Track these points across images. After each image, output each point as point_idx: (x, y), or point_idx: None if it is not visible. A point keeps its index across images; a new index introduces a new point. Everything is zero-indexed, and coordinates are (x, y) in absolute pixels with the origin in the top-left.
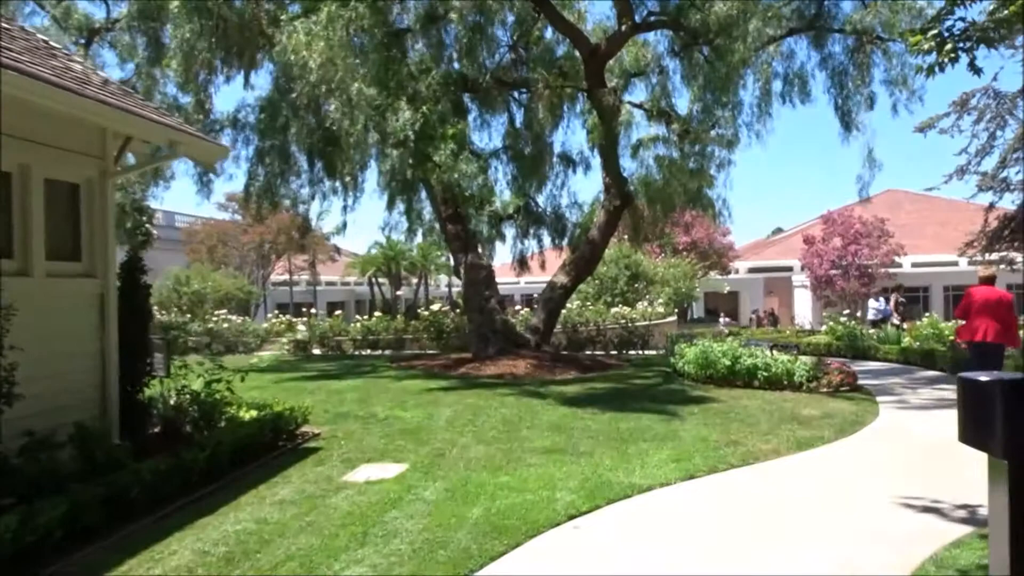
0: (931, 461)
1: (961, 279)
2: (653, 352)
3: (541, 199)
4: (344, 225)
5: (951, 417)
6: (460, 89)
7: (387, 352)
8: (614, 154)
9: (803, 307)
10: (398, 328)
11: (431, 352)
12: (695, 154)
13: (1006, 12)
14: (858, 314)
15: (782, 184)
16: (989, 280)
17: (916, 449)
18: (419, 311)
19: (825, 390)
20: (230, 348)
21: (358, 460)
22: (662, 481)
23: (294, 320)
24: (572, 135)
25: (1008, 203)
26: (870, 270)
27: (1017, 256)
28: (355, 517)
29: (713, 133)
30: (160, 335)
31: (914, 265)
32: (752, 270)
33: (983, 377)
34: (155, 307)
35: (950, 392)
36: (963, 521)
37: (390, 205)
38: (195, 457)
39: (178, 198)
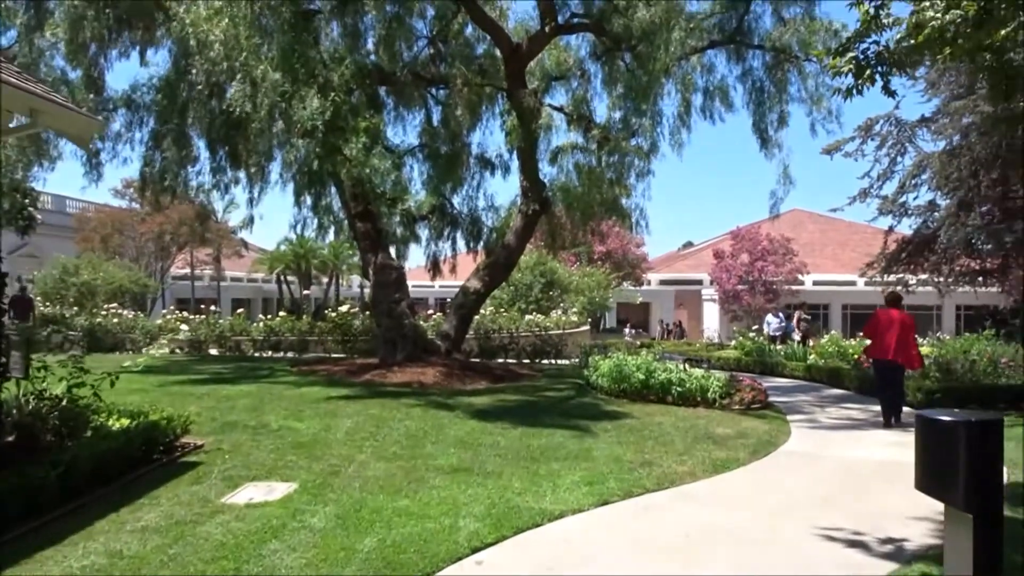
0: (848, 487)
1: (859, 298)
2: (566, 362)
3: (457, 200)
4: (251, 219)
5: (861, 438)
6: (375, 82)
7: (290, 355)
8: (533, 158)
9: (711, 320)
10: (302, 330)
11: (337, 356)
12: (614, 163)
13: (912, 42)
14: (760, 328)
15: (693, 198)
16: (895, 302)
17: (832, 474)
18: (327, 312)
19: (737, 407)
20: (117, 346)
21: (241, 478)
22: (574, 507)
23: (191, 317)
24: (491, 136)
25: (906, 227)
26: (775, 286)
27: (912, 278)
28: (228, 549)
29: (633, 142)
30: (15, 331)
31: (815, 283)
32: (664, 282)
33: (946, 417)
34: (38, 298)
35: (857, 411)
36: (887, 556)
37: (298, 199)
38: (44, 475)
39: (74, 182)
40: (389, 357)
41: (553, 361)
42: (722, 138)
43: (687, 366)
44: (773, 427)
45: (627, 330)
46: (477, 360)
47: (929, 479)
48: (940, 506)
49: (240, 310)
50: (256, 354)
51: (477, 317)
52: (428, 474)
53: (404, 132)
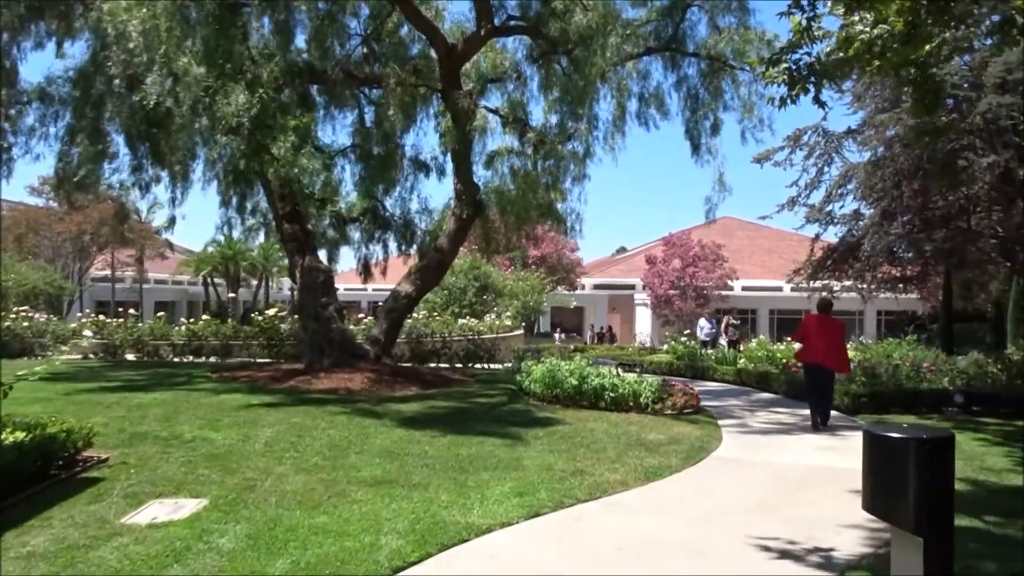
0: (781, 494)
1: (786, 304)
2: (499, 366)
3: (390, 203)
4: (173, 220)
5: (791, 442)
6: (306, 80)
7: (213, 360)
8: (467, 160)
9: (644, 325)
10: (226, 334)
11: (262, 361)
12: (549, 167)
13: (842, 55)
14: (690, 332)
15: (626, 204)
16: (826, 308)
17: (764, 480)
18: (253, 316)
19: (670, 412)
20: (26, 351)
21: (146, 495)
22: (503, 520)
23: (108, 320)
24: (425, 138)
25: (832, 235)
26: (706, 292)
27: (837, 284)
28: None
29: (568, 146)
30: None
31: (744, 289)
32: (597, 287)
33: (894, 433)
34: None
35: (786, 415)
36: (822, 566)
37: (225, 200)
38: None
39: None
40: (316, 363)
41: (486, 365)
42: (655, 145)
43: (620, 371)
44: (705, 432)
45: (557, 334)
46: (408, 365)
47: (877, 500)
48: (870, 515)
49: (161, 313)
50: (177, 359)
51: (409, 321)
52: (350, 487)
53: (336, 132)
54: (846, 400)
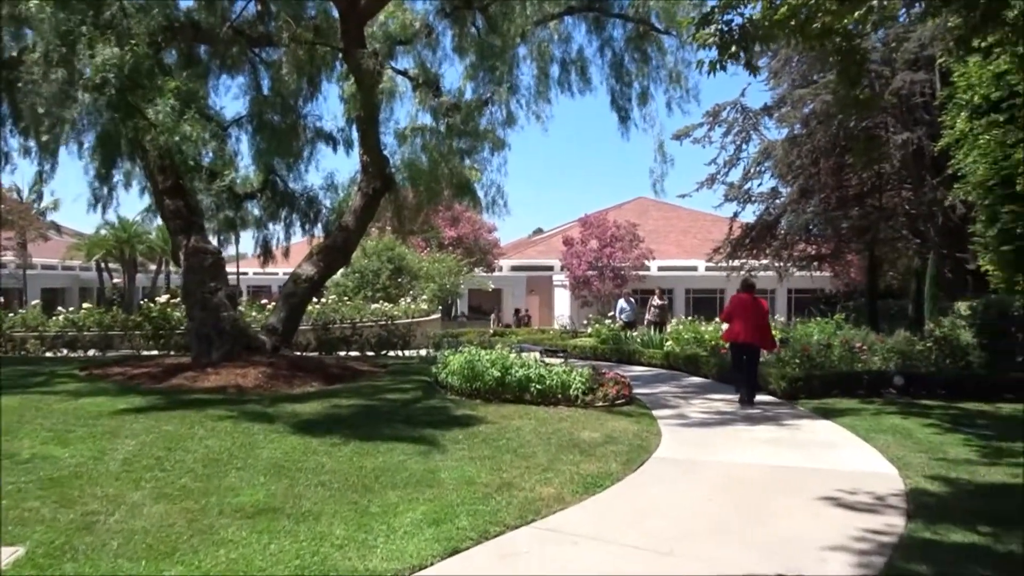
0: (742, 506)
1: (701, 283)
2: (415, 354)
3: (291, 178)
4: (40, 195)
5: (737, 436)
6: (190, 38)
7: (92, 354)
8: (374, 128)
9: (563, 307)
10: (106, 324)
11: (147, 355)
12: (465, 133)
13: (775, 17)
14: (612, 316)
15: (543, 186)
16: (749, 287)
17: (719, 488)
18: (143, 303)
19: (602, 404)
20: None
21: None
22: (414, 562)
23: None
24: (331, 106)
25: (750, 214)
26: (623, 272)
27: (755, 263)
28: None
29: (487, 114)
30: None
31: (660, 269)
32: (515, 268)
33: None
34: None
35: (722, 403)
36: None
37: (100, 174)
38: None
39: None
40: (203, 356)
41: (401, 353)
42: (573, 126)
43: (544, 358)
44: (642, 427)
45: (466, 318)
46: (314, 355)
47: None
48: (853, 531)
49: (35, 302)
50: (51, 354)
51: (317, 307)
52: (221, 520)
53: (231, 98)
54: (783, 384)
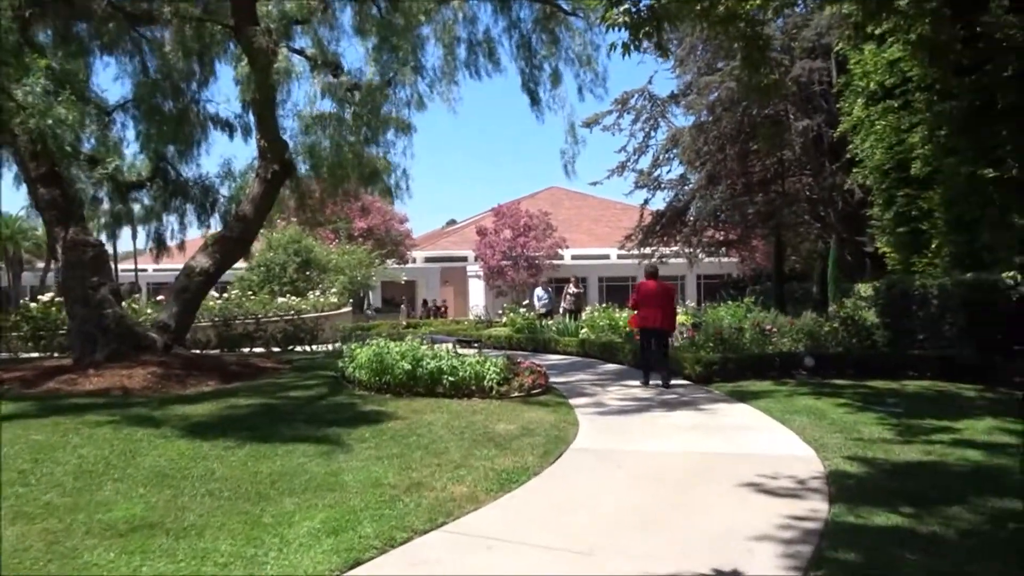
0: (665, 497)
1: (614, 271)
2: (323, 349)
3: (184, 166)
4: None
5: (655, 423)
6: (64, 14)
7: None
8: (270, 110)
9: (477, 297)
10: None
11: (25, 358)
12: (368, 114)
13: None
14: (528, 304)
15: (454, 178)
16: (654, 274)
17: (641, 479)
18: (24, 302)
19: (517, 394)
20: None
21: None
22: None
23: None
24: (222, 87)
25: (660, 201)
26: (537, 261)
27: (666, 250)
28: None
29: (391, 96)
30: None
31: (574, 258)
32: (429, 259)
33: None
34: None
35: (640, 389)
36: None
37: None
38: None
39: None
40: (87, 357)
41: (308, 348)
42: (485, 117)
43: (458, 349)
44: (559, 416)
45: (369, 311)
46: (214, 353)
47: None
48: (778, 519)
49: None
50: None
51: (219, 302)
52: (88, 540)
53: (117, 82)
54: (698, 369)
